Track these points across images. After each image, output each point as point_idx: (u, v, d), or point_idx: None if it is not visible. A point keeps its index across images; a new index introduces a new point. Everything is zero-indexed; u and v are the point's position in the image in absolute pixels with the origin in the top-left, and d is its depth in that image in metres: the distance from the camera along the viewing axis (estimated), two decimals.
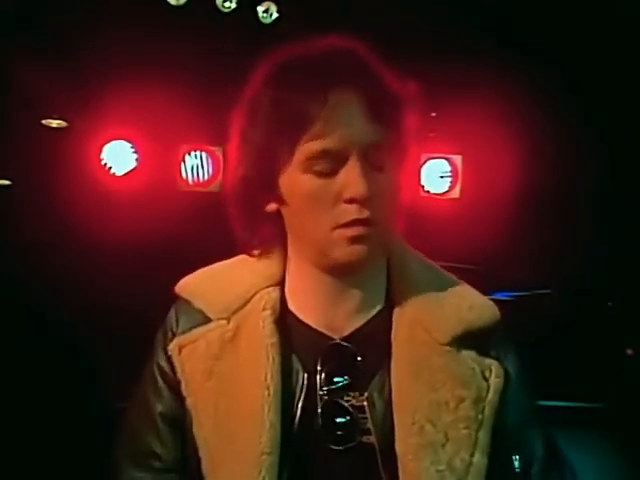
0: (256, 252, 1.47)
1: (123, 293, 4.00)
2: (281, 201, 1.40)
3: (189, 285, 1.50)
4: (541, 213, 4.40)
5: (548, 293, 4.52)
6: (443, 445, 1.35)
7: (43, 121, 4.28)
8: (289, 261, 1.46)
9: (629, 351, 4.42)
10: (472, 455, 1.35)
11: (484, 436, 1.37)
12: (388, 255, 1.47)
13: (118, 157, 4.35)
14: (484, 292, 1.51)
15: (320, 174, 1.34)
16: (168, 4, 4.00)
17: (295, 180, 1.36)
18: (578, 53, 4.02)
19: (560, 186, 4.37)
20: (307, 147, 1.34)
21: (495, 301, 1.49)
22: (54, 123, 4.30)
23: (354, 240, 1.34)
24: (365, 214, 1.33)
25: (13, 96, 4.02)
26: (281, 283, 1.46)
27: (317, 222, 1.36)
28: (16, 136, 4.16)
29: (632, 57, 3.86)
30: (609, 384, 4.05)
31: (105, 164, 4.33)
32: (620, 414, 3.70)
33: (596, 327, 4.35)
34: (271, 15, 4.10)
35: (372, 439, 1.37)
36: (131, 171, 4.37)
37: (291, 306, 1.45)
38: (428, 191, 4.58)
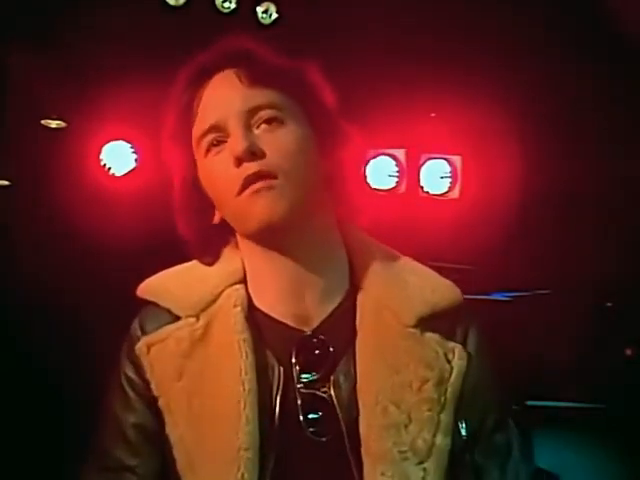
0: (210, 260, 1.49)
1: (123, 293, 3.99)
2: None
3: (151, 285, 1.51)
4: (541, 213, 4.40)
5: (548, 293, 4.53)
6: (406, 426, 1.35)
7: (42, 121, 4.28)
8: (243, 257, 1.47)
9: (629, 351, 4.43)
10: (434, 436, 1.36)
11: (446, 417, 1.37)
12: (344, 238, 1.48)
13: (117, 157, 4.34)
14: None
15: (216, 152, 1.39)
16: (167, 4, 3.99)
17: (203, 169, 1.42)
18: (578, 53, 4.02)
19: (559, 186, 4.36)
20: (195, 131, 1.41)
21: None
22: (53, 123, 4.30)
23: (257, 196, 1.35)
24: (252, 169, 1.35)
25: (13, 96, 4.02)
26: (245, 280, 1.46)
27: (227, 197, 1.38)
28: (15, 136, 4.16)
29: (633, 56, 3.85)
30: (609, 384, 4.06)
31: (104, 165, 4.32)
32: (620, 414, 3.71)
33: (596, 327, 4.36)
34: (270, 16, 4.10)
35: (342, 426, 1.36)
36: (131, 171, 4.37)
37: (256, 302, 1.44)
38: (428, 192, 4.58)
